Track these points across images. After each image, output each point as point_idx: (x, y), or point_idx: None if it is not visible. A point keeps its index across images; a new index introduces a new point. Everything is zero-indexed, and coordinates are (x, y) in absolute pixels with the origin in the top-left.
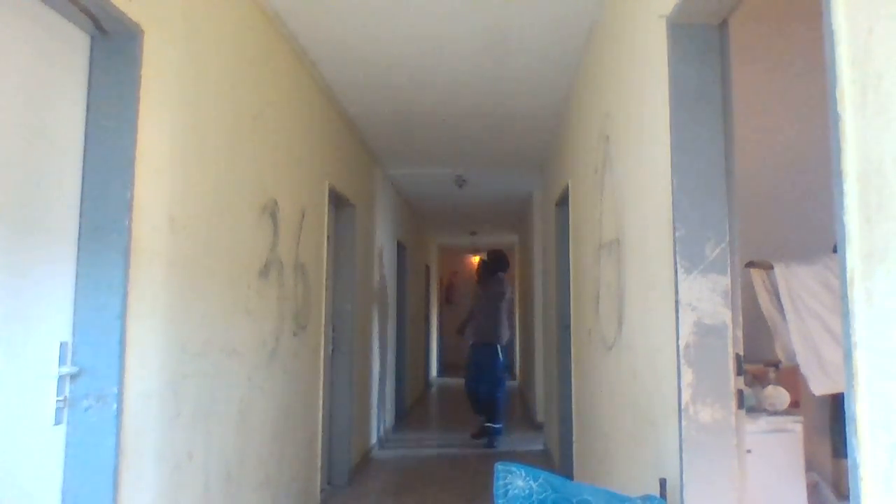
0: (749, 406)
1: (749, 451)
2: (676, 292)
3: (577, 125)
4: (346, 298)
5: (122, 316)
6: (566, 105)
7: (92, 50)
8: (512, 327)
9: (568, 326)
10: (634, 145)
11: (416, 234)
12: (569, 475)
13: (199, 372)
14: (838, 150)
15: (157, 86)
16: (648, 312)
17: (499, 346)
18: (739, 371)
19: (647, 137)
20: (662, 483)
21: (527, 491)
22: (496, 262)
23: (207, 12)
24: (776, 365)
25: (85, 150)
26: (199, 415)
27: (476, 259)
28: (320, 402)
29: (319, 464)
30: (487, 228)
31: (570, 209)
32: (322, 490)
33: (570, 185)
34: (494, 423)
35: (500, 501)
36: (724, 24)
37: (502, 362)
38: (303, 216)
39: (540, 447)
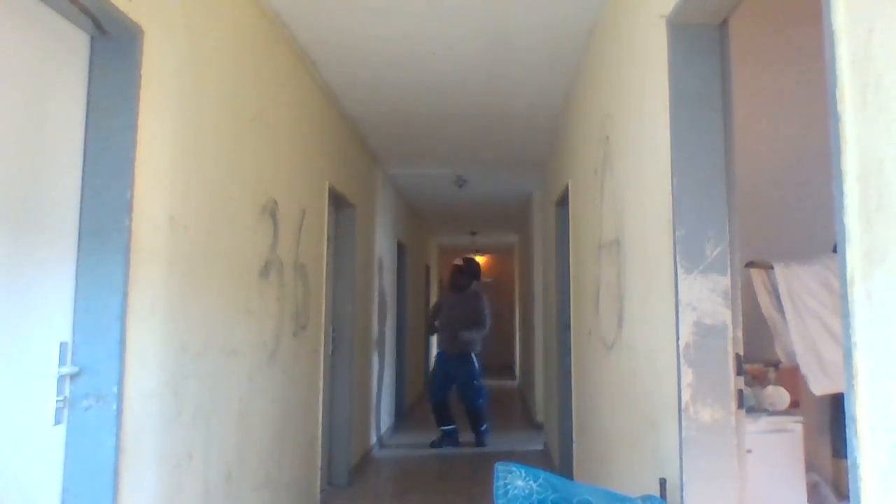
0: (749, 406)
1: (749, 451)
2: (676, 292)
3: (577, 125)
4: (346, 298)
5: (122, 316)
6: (566, 105)
7: (92, 50)
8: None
9: (568, 326)
10: (634, 145)
11: (416, 234)
12: (569, 475)
13: (199, 372)
14: (838, 150)
15: (157, 86)
16: (648, 312)
17: (473, 355)
18: (739, 371)
19: (647, 137)
20: (662, 483)
21: (527, 491)
22: (472, 270)
23: (207, 12)
24: (776, 365)
25: (85, 150)
26: (199, 415)
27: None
28: (320, 402)
29: (319, 464)
30: (487, 228)
31: (570, 209)
32: (322, 490)
33: (570, 185)
34: (480, 427)
35: (500, 501)
36: (724, 24)
37: (477, 370)
38: (303, 216)
39: (540, 447)
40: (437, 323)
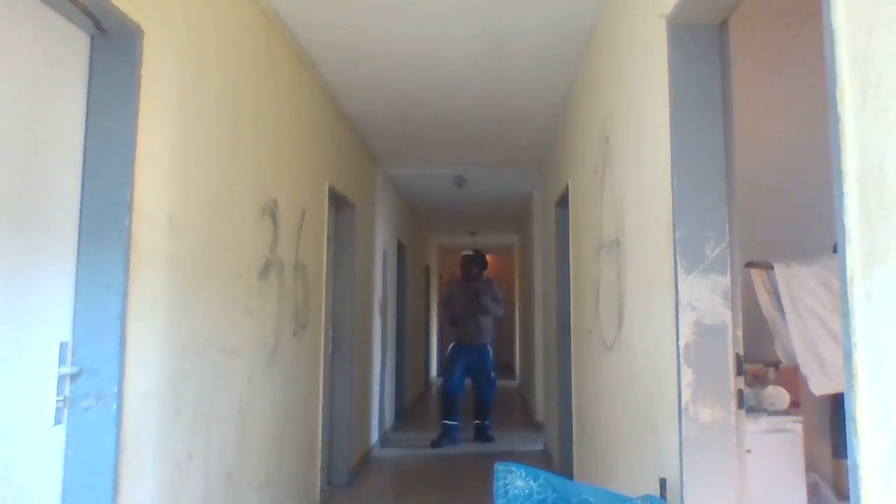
0: (749, 406)
1: (749, 451)
2: (676, 292)
3: (577, 125)
4: (346, 298)
5: (122, 316)
6: (566, 105)
7: (92, 50)
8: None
9: (568, 326)
10: (634, 145)
11: (416, 234)
12: (569, 475)
13: (199, 372)
14: (838, 150)
15: (157, 86)
16: (648, 312)
17: (488, 345)
18: (739, 371)
19: (647, 137)
20: (662, 483)
21: (527, 491)
22: (482, 260)
23: (207, 12)
24: (776, 365)
25: (85, 150)
26: (199, 415)
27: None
28: (320, 402)
29: (319, 464)
30: (487, 228)
31: (570, 209)
32: (322, 490)
33: (570, 185)
34: (486, 421)
35: (500, 501)
36: (724, 24)
37: (492, 362)
38: (303, 216)
39: (540, 447)
40: (454, 312)
